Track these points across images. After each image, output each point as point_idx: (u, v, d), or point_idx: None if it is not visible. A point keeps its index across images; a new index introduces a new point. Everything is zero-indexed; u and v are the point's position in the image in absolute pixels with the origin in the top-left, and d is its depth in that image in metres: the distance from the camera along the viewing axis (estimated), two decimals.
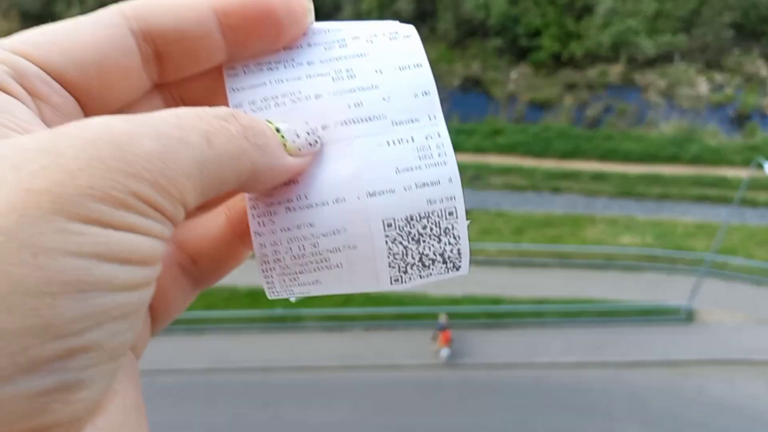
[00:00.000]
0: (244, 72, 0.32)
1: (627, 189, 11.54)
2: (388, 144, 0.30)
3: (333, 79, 0.32)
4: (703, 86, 14.07)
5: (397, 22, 0.34)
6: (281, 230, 0.30)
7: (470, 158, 11.62)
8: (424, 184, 0.30)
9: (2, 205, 0.19)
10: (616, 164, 11.98)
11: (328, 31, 0.33)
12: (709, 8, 14.21)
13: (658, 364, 8.36)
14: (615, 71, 14.01)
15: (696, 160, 12.10)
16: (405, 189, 0.30)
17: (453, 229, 0.30)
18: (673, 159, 12.10)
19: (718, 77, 14.23)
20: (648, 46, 13.86)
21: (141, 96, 0.30)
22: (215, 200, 0.34)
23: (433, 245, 0.30)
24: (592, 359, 8.37)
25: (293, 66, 0.32)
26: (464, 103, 13.12)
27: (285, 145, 0.28)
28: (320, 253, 0.30)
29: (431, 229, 0.30)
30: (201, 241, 0.33)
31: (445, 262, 0.31)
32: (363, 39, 0.33)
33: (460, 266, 0.31)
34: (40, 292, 0.19)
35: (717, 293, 9.13)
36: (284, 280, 0.31)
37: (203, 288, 0.34)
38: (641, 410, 7.80)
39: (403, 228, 0.30)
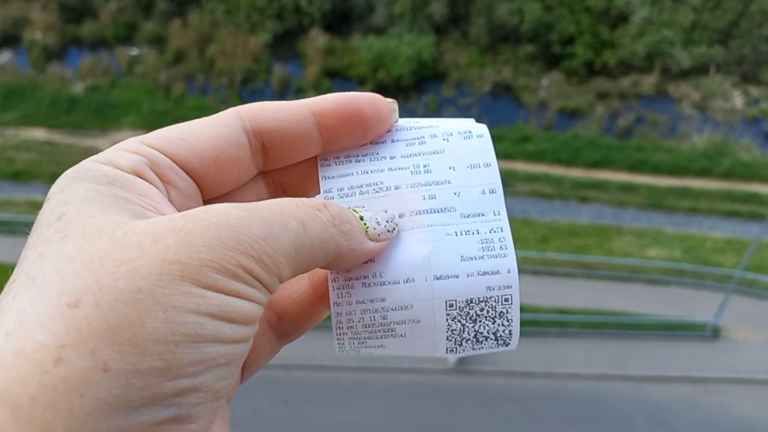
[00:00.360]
0: (335, 163, 0.37)
1: (656, 201, 11.38)
2: (456, 234, 0.34)
3: (411, 172, 0.36)
4: (738, 100, 13.83)
5: (472, 121, 0.38)
6: (357, 302, 0.34)
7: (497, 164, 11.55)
8: (485, 273, 0.34)
9: (143, 270, 0.24)
10: (645, 176, 11.83)
11: (410, 128, 0.38)
12: (747, 20, 13.97)
13: (681, 380, 8.23)
14: (648, 82, 13.83)
15: (728, 174, 11.90)
16: (468, 275, 0.33)
17: (507, 313, 0.34)
18: (705, 173, 11.91)
19: (754, 91, 13.97)
20: (683, 58, 13.67)
21: (248, 181, 0.36)
22: None
23: (487, 325, 0.34)
24: (613, 372, 8.27)
25: (378, 159, 0.37)
26: (494, 108, 13.06)
27: (366, 231, 0.33)
28: (388, 324, 0.34)
29: (488, 312, 0.34)
30: (287, 300, 0.38)
31: (496, 339, 0.35)
32: (440, 137, 0.37)
33: (509, 343, 0.35)
34: (165, 341, 0.23)
35: (744, 311, 8.97)
36: (353, 343, 0.35)
37: (287, 342, 0.39)
38: (662, 425, 7.69)
39: (462, 309, 0.34)
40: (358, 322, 0.34)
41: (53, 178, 0.30)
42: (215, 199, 0.34)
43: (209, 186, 0.33)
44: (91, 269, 0.24)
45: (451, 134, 0.37)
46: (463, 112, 12.75)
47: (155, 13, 14.29)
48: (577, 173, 11.85)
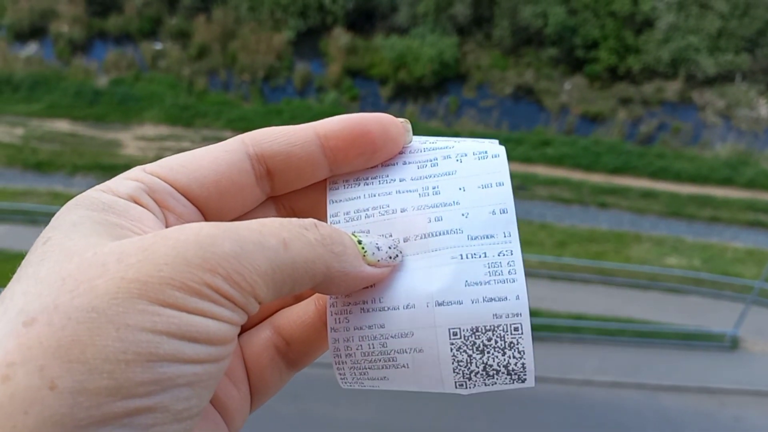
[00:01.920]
0: (344, 186, 0.36)
1: (676, 209, 11.26)
2: (462, 257, 0.32)
3: (419, 195, 0.35)
4: (763, 109, 13.64)
5: (489, 142, 0.36)
6: (354, 328, 0.33)
7: (517, 168, 11.51)
8: (491, 299, 0.31)
9: (101, 288, 0.23)
10: (666, 183, 11.72)
11: (424, 150, 0.36)
12: None
13: (696, 391, 8.15)
14: (672, 88, 13.69)
15: (750, 184, 11.74)
16: (472, 302, 0.31)
17: (518, 344, 0.31)
18: (727, 182, 11.77)
19: None
20: (708, 65, 13.52)
21: (257, 206, 0.36)
22: (308, 292, 0.38)
23: (497, 357, 0.31)
24: (628, 380, 8.20)
25: (386, 182, 0.35)
26: (515, 111, 13.00)
27: (364, 255, 0.32)
28: (388, 353, 0.32)
29: (496, 342, 0.31)
30: (294, 326, 0.37)
31: (509, 374, 0.32)
32: (454, 158, 0.35)
33: (525, 379, 0.32)
34: (116, 360, 0.23)
35: (764, 323, 8.85)
36: (355, 373, 0.33)
37: (297, 369, 0.38)
38: None
39: (468, 338, 0.31)
40: (357, 349, 0.33)
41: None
42: None
43: (212, 211, 0.33)
44: (51, 289, 0.24)
45: (465, 155, 0.35)
46: (483, 114, 12.72)
47: (180, 8, 14.40)
48: (597, 179, 11.76)
